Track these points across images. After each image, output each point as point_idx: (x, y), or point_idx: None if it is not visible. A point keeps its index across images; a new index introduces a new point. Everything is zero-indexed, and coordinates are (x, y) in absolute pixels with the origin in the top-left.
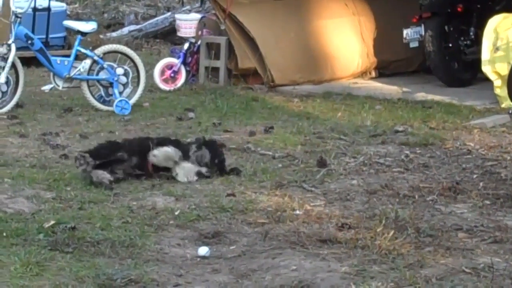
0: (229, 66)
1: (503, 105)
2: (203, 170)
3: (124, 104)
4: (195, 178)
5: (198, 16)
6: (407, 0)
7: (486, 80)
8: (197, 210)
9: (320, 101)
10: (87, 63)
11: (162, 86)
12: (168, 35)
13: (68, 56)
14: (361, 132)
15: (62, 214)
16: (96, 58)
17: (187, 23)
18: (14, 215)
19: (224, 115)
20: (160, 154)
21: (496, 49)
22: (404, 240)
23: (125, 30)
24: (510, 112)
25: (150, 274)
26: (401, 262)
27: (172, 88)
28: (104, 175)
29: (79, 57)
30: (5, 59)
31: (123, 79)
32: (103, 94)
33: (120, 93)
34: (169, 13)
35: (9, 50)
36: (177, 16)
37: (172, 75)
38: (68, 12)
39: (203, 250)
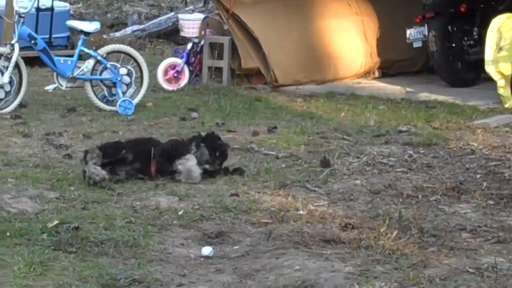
0: (232, 66)
1: (506, 105)
2: (206, 166)
3: (127, 104)
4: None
5: (201, 16)
6: (410, 0)
7: (490, 80)
8: (201, 210)
9: (323, 101)
10: (90, 63)
11: (165, 86)
12: (171, 35)
13: (72, 56)
14: (364, 132)
15: (66, 214)
16: (99, 58)
17: (190, 23)
18: (17, 215)
19: (227, 115)
20: (184, 171)
21: (500, 49)
22: (407, 240)
23: (128, 30)
24: None
25: (153, 274)
26: (404, 262)
27: (175, 88)
28: (96, 172)
29: (82, 57)
30: (8, 59)
31: (127, 79)
32: (106, 94)
33: (124, 93)
34: (172, 13)
35: (13, 50)
36: (180, 16)
37: (175, 75)
38: (72, 12)
39: (207, 250)
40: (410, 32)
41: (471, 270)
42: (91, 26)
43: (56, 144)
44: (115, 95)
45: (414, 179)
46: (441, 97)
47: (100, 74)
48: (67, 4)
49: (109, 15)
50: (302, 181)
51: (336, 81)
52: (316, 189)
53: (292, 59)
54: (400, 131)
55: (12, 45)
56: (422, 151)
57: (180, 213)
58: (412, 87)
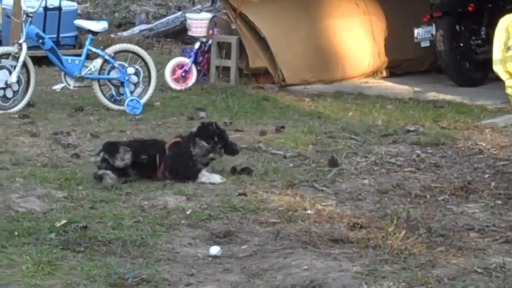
0: (240, 65)
1: None
2: (211, 156)
3: (135, 103)
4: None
5: (209, 15)
6: None
7: (497, 79)
8: (209, 209)
9: (331, 100)
10: (98, 62)
11: (173, 85)
12: (179, 35)
13: (79, 55)
14: (372, 132)
15: (74, 213)
16: (107, 57)
17: (198, 23)
18: (25, 214)
19: (235, 115)
20: (207, 180)
21: (508, 48)
22: (415, 240)
23: (136, 29)
24: None
25: (161, 274)
26: (412, 262)
27: (183, 88)
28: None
29: (90, 57)
30: (16, 59)
31: (134, 79)
32: (114, 93)
33: (131, 92)
34: (180, 13)
35: (20, 49)
36: (188, 15)
37: (183, 74)
38: (79, 12)
39: (215, 250)
40: (418, 32)
41: (479, 270)
42: (98, 26)
43: (64, 144)
44: (123, 94)
45: (422, 179)
46: (449, 97)
47: (108, 74)
48: (74, 3)
49: (116, 14)
50: (310, 180)
51: (344, 80)
52: (324, 188)
53: (299, 59)
54: (408, 131)
55: (20, 45)
56: (430, 151)
57: (188, 212)
58: (420, 87)
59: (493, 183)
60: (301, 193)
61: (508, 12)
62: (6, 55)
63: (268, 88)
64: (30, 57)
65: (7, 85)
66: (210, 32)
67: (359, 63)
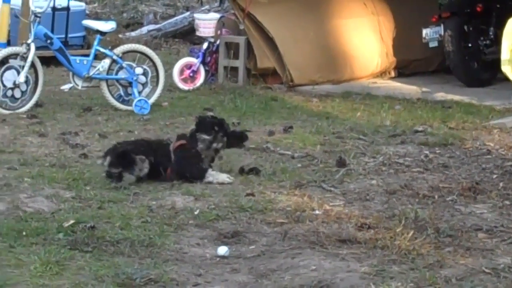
0: (248, 65)
1: None
2: (214, 146)
3: (143, 103)
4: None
5: (217, 15)
6: None
7: (506, 80)
8: (217, 209)
9: (339, 100)
10: (106, 62)
11: (181, 85)
12: (187, 35)
13: (87, 55)
14: (380, 132)
15: (82, 213)
16: (115, 57)
17: (206, 23)
18: (33, 214)
19: (243, 115)
20: (214, 179)
21: None
22: (423, 240)
23: (144, 29)
24: None
25: (169, 274)
26: (420, 262)
27: (191, 88)
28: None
29: (98, 57)
30: (24, 59)
31: (142, 79)
32: (122, 93)
33: (139, 92)
34: (188, 13)
35: (29, 49)
36: (196, 15)
37: (191, 74)
38: (87, 12)
39: (223, 250)
40: (426, 32)
41: (487, 271)
42: (107, 26)
43: (72, 144)
44: (131, 94)
45: (430, 179)
46: (457, 97)
47: (116, 74)
48: (83, 3)
49: (125, 14)
50: (318, 181)
51: (352, 81)
52: (332, 189)
53: (307, 59)
54: (416, 131)
55: (28, 45)
56: (438, 151)
57: (196, 212)
58: (428, 87)
59: (501, 184)
60: (309, 194)
61: None
62: (15, 55)
63: (276, 88)
64: (38, 57)
65: (16, 85)
66: (218, 32)
67: (367, 63)
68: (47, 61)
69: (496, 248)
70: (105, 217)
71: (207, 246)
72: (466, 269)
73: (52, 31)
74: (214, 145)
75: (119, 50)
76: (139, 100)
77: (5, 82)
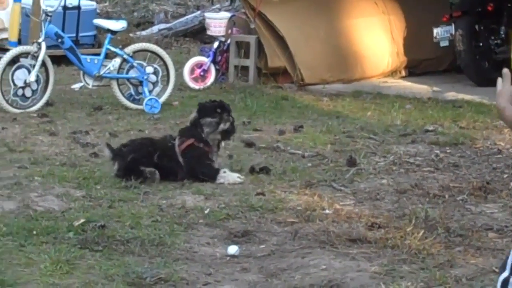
0: (258, 64)
1: None
2: (221, 127)
3: (153, 102)
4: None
5: (227, 14)
6: None
7: None
8: (227, 209)
9: (350, 100)
10: (117, 61)
11: (192, 84)
12: (198, 34)
13: (98, 54)
14: (391, 131)
15: (92, 212)
16: (126, 56)
17: (217, 22)
18: (44, 213)
19: (253, 114)
20: (225, 181)
21: None
22: (434, 240)
23: (155, 28)
24: None
25: (179, 273)
26: (431, 262)
27: (201, 87)
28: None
29: (109, 56)
30: (35, 58)
31: (153, 78)
32: (133, 92)
33: (150, 91)
34: (198, 12)
35: (39, 48)
36: (206, 14)
37: (201, 73)
38: (98, 11)
39: (233, 249)
40: (437, 31)
41: (497, 270)
42: (117, 25)
43: (82, 143)
44: (141, 93)
45: (440, 179)
46: (468, 97)
47: (127, 73)
48: (93, 2)
49: (135, 13)
50: (328, 180)
51: (362, 80)
52: (342, 188)
53: (318, 58)
54: (427, 131)
55: (39, 44)
56: (448, 151)
57: (206, 212)
58: (439, 86)
59: (511, 183)
60: (319, 193)
61: None
62: (25, 54)
63: (286, 88)
64: (49, 56)
65: (26, 84)
66: (229, 31)
67: (378, 62)
68: (58, 60)
69: (507, 248)
70: (115, 216)
71: (217, 245)
72: (476, 269)
73: (63, 30)
74: (222, 126)
75: (129, 49)
76: (150, 99)
77: (16, 81)
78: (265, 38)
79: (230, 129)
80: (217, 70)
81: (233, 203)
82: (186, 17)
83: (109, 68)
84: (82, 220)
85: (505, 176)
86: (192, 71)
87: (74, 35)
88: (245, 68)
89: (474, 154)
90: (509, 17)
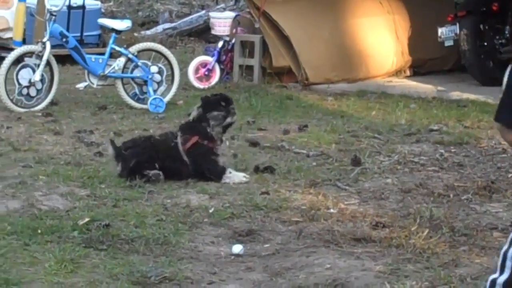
0: (263, 64)
1: None
2: (228, 120)
3: (158, 102)
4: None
5: (232, 14)
6: None
7: None
8: (231, 208)
9: (354, 99)
10: (121, 61)
11: (196, 84)
12: (203, 33)
13: (103, 54)
14: (395, 131)
15: (97, 211)
16: (130, 56)
17: (222, 21)
18: (48, 212)
19: (258, 113)
20: (231, 181)
21: None
22: (438, 239)
23: (160, 28)
24: None
25: (184, 272)
26: (435, 261)
27: (206, 86)
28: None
29: (113, 55)
30: (40, 57)
31: (157, 77)
32: (137, 92)
33: (155, 91)
34: (203, 11)
35: (44, 48)
36: (211, 14)
37: (206, 73)
38: (103, 10)
39: (237, 248)
40: (442, 31)
41: None
42: (122, 24)
43: (87, 142)
44: (146, 93)
45: (445, 178)
46: (472, 96)
47: (131, 72)
48: (98, 2)
49: (140, 13)
50: (333, 179)
51: (367, 79)
52: (347, 187)
53: (323, 58)
54: (432, 130)
55: (44, 43)
56: (453, 150)
57: (210, 211)
58: (444, 86)
59: None
60: (324, 192)
61: None
62: (30, 54)
63: (291, 87)
64: (54, 55)
65: (31, 84)
66: (234, 31)
67: (383, 62)
68: (62, 60)
69: None
70: (120, 215)
71: (222, 245)
72: (481, 268)
73: (68, 30)
74: (229, 119)
75: (134, 48)
76: (154, 99)
77: (20, 81)
78: (270, 37)
79: (234, 122)
80: (221, 70)
81: (238, 202)
82: (191, 16)
83: (113, 67)
84: (86, 219)
85: (510, 175)
86: (196, 70)
87: (78, 34)
88: (249, 68)
89: (479, 153)
90: None
